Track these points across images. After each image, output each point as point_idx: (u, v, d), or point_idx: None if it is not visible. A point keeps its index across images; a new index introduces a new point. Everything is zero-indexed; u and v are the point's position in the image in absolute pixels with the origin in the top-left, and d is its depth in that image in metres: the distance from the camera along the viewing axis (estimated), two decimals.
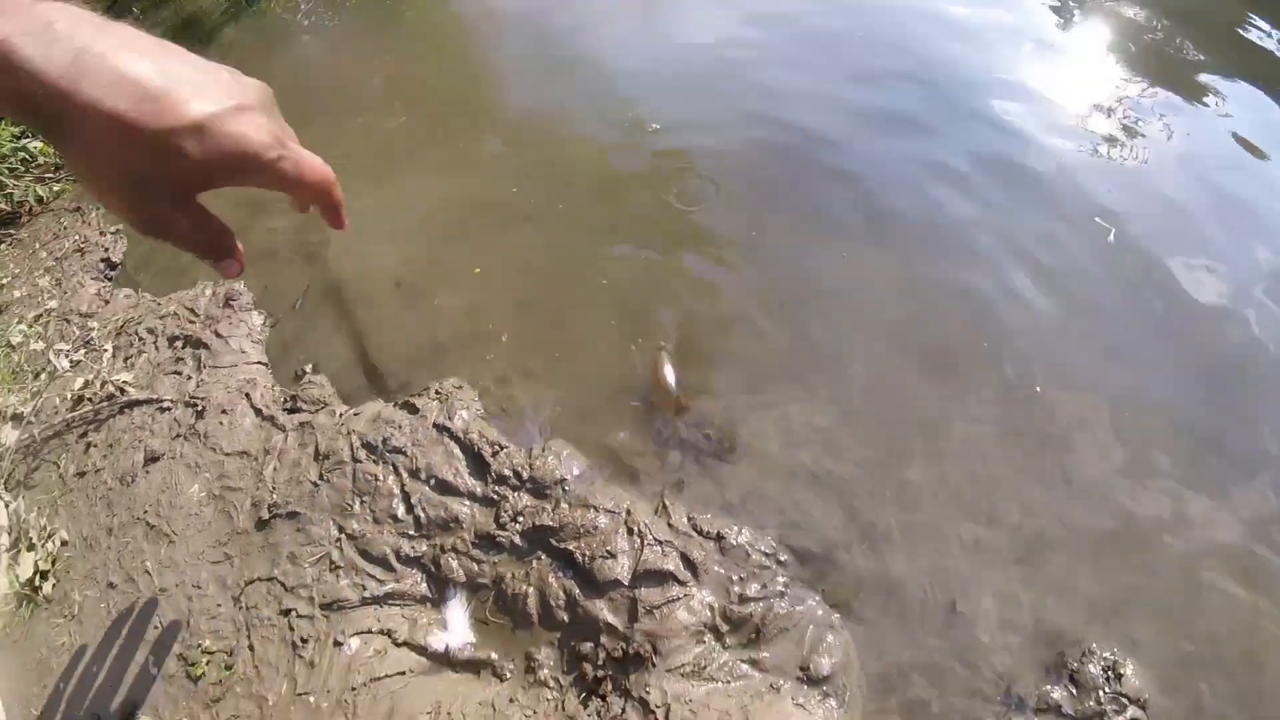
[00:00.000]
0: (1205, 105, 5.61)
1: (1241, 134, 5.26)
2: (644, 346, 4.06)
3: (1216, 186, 4.82)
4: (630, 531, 3.32)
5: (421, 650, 3.25)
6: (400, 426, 3.79)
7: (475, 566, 3.39)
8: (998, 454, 3.55)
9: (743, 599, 3.15)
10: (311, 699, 3.17)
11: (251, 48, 8.25)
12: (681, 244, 4.59)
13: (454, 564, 3.41)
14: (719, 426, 3.68)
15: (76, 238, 6.24)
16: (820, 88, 5.61)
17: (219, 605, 3.53)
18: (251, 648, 3.38)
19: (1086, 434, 3.64)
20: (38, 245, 6.40)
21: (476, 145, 5.79)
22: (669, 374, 3.83)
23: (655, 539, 3.27)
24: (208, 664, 3.39)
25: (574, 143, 5.61)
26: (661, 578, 3.19)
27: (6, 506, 4.29)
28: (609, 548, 3.26)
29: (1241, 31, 6.41)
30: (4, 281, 6.04)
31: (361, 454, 3.74)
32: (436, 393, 3.93)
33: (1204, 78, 5.98)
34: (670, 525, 3.34)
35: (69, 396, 4.64)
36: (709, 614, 3.13)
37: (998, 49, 6.09)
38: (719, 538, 3.30)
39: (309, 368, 4.43)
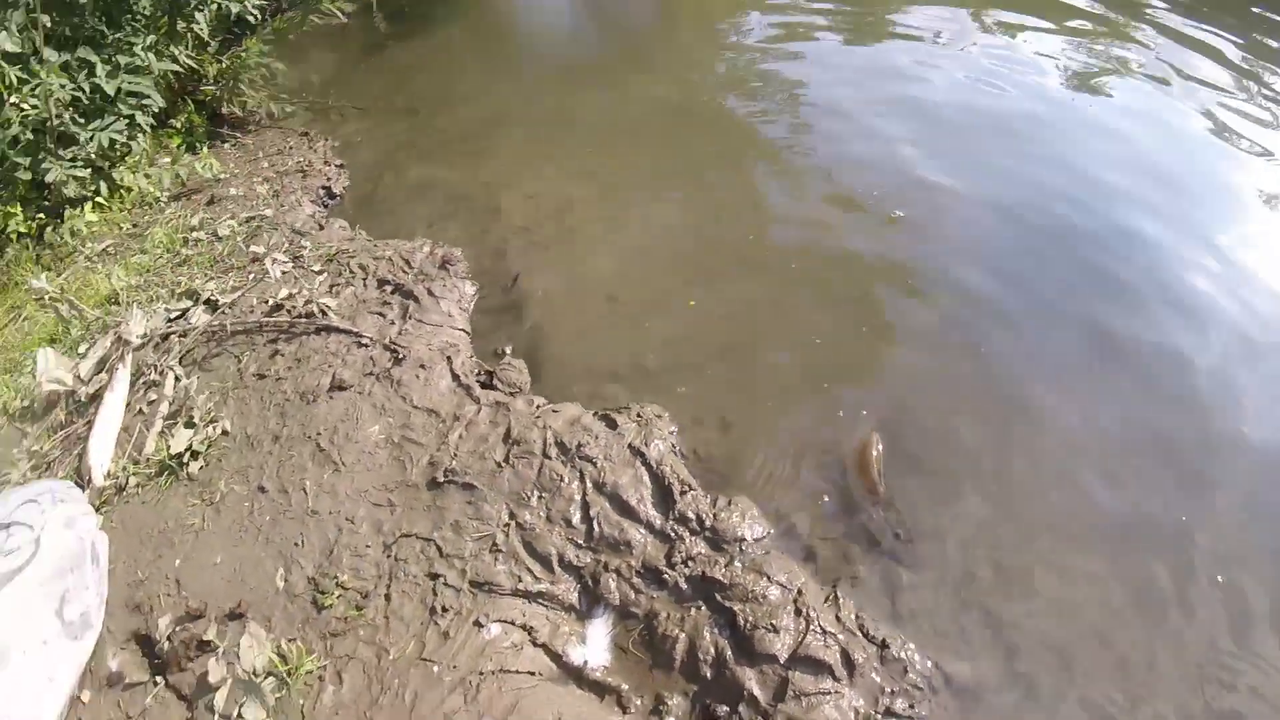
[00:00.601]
0: None
1: None
2: (847, 422, 4.02)
3: None
4: (798, 612, 3.22)
5: (557, 657, 3.19)
6: (596, 437, 3.78)
7: (633, 595, 3.33)
8: (1166, 648, 3.34)
9: (889, 712, 3.01)
10: (435, 669, 3.12)
11: (496, 35, 8.60)
12: (910, 336, 4.55)
13: (613, 585, 3.36)
14: (909, 529, 3.59)
15: (300, 159, 6.49)
16: None
17: (368, 546, 3.53)
18: (388, 597, 3.36)
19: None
20: (261, 155, 6.68)
21: (720, 185, 5.87)
22: (878, 460, 3.76)
23: (821, 627, 3.16)
24: (339, 598, 3.38)
25: (822, 203, 5.65)
26: (818, 667, 3.08)
27: (178, 380, 4.37)
28: (774, 621, 3.16)
29: None
30: (223, 177, 6.27)
31: (553, 451, 3.74)
32: (638, 415, 3.92)
33: None
34: (838, 618, 3.23)
35: (269, 302, 4.76)
36: (853, 718, 2.99)
37: None
38: (883, 645, 3.17)
39: (509, 349, 4.49)
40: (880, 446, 3.79)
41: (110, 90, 5.68)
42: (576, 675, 3.18)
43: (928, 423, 4.03)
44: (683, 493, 3.56)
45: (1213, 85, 7.14)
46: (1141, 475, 3.86)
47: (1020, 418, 4.08)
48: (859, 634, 3.18)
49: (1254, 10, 8.42)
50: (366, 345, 4.38)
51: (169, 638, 3.29)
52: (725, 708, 3.02)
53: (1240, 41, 7.85)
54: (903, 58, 7.36)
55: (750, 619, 3.17)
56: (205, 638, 3.25)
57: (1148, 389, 4.24)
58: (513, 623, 3.25)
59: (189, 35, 6.64)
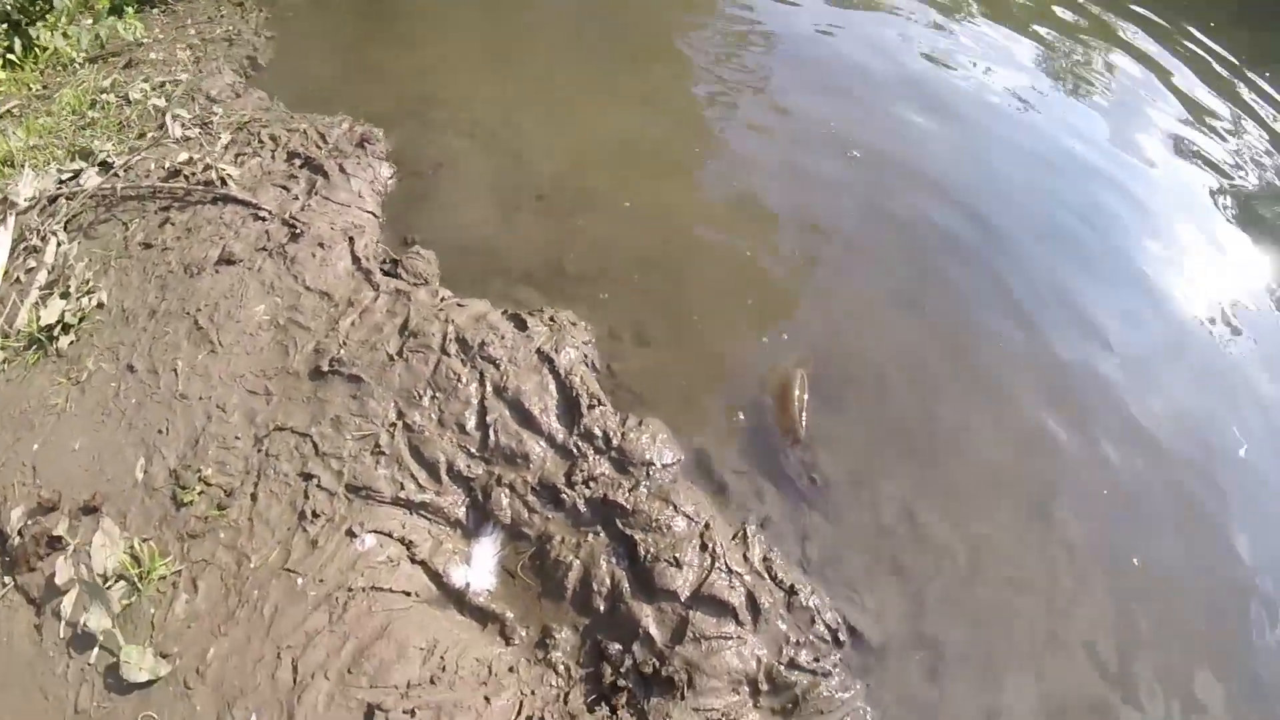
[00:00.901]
0: None
1: None
2: (774, 352, 3.74)
3: None
4: (704, 547, 2.92)
5: (437, 577, 2.87)
6: (503, 337, 3.42)
7: (526, 513, 3.01)
8: (1078, 613, 3.16)
9: (792, 664, 2.76)
10: (299, 581, 2.79)
11: None
12: (850, 273, 4.28)
13: (505, 501, 3.03)
14: (826, 475, 3.31)
15: (230, 28, 6.05)
16: None
17: (237, 438, 3.17)
18: (254, 497, 3.02)
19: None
20: (189, 21, 6.24)
21: (671, 97, 5.56)
22: (800, 400, 3.45)
23: (727, 565, 2.88)
24: (200, 494, 3.03)
25: (773, 126, 5.36)
26: (722, 609, 2.80)
27: (59, 246, 3.96)
28: (677, 554, 2.87)
29: None
30: (145, 41, 5.85)
31: (453, 348, 3.37)
32: (551, 319, 3.57)
33: None
34: (746, 557, 2.94)
35: (166, 166, 4.35)
36: (755, 666, 2.73)
37: None
38: (791, 591, 2.90)
39: (419, 238, 4.12)
40: (805, 385, 3.49)
41: None
42: (457, 599, 2.88)
43: (856, 368, 3.79)
44: (590, 407, 3.24)
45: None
46: (1064, 440, 3.67)
47: (954, 375, 3.86)
48: (766, 577, 2.91)
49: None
50: (264, 219, 3.99)
51: (20, 532, 2.97)
52: (618, 646, 2.75)
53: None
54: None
55: (652, 550, 2.89)
56: (56, 533, 2.91)
57: (1076, 357, 4.06)
58: (390, 535, 2.93)
59: None
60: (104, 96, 5.23)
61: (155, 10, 6.52)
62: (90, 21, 5.97)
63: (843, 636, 2.87)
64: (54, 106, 5.16)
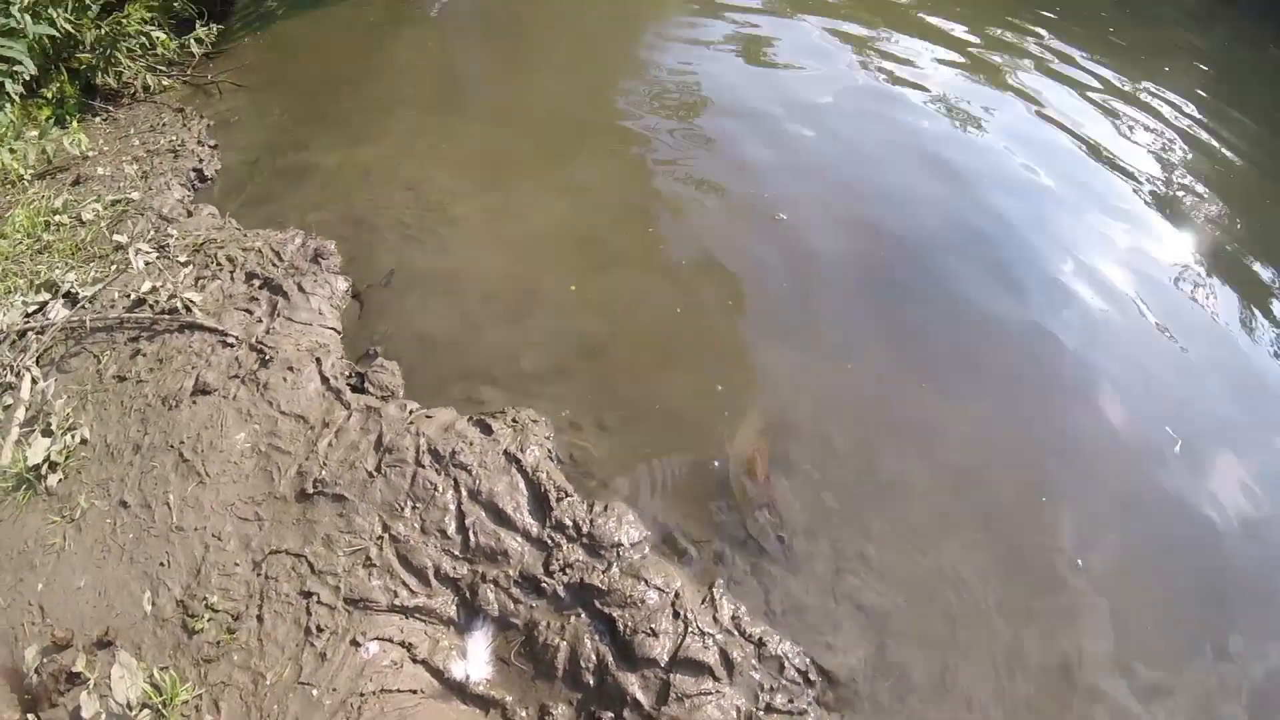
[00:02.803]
0: None
1: None
2: (727, 423, 4.02)
3: None
4: (676, 614, 3.21)
5: (438, 673, 3.12)
6: (471, 443, 3.69)
7: (512, 605, 3.28)
8: (1029, 623, 3.50)
9: (769, 709, 3.05)
10: (314, 692, 3.02)
11: (391, 17, 8.29)
12: (787, 339, 4.56)
13: (491, 596, 3.29)
14: (791, 531, 3.61)
15: (173, 138, 6.18)
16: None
17: (236, 565, 3.39)
18: (261, 619, 3.23)
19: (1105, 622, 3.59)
20: (133, 131, 6.35)
21: (607, 182, 5.77)
22: (765, 467, 3.77)
23: (700, 628, 3.17)
24: (209, 621, 3.24)
25: (708, 203, 5.62)
26: (699, 669, 3.09)
27: (34, 383, 4.14)
28: (653, 625, 3.16)
29: None
30: (91, 154, 5.96)
31: (426, 459, 3.63)
32: (513, 421, 3.83)
33: None
34: (715, 619, 3.24)
35: (130, 295, 4.52)
36: (735, 716, 3.01)
37: None
38: (760, 643, 3.20)
39: (380, 350, 4.32)
40: (765, 451, 3.80)
41: None
42: (459, 690, 3.11)
43: (802, 427, 4.06)
44: (559, 499, 3.51)
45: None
46: (1000, 471, 4.03)
47: (894, 423, 4.18)
48: (736, 633, 3.20)
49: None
50: (232, 345, 4.19)
51: (37, 670, 3.11)
52: (610, 714, 3.01)
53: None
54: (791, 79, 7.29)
55: (630, 624, 3.16)
56: (75, 669, 3.08)
57: (1008, 398, 4.40)
58: (391, 640, 3.17)
59: None
60: (57, 218, 5.34)
61: (97, 119, 6.65)
62: (35, 134, 6.05)
63: (813, 676, 3.16)
64: (6, 228, 5.25)
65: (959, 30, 8.49)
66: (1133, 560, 3.74)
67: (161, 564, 3.42)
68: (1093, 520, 3.86)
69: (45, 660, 3.17)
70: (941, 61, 7.83)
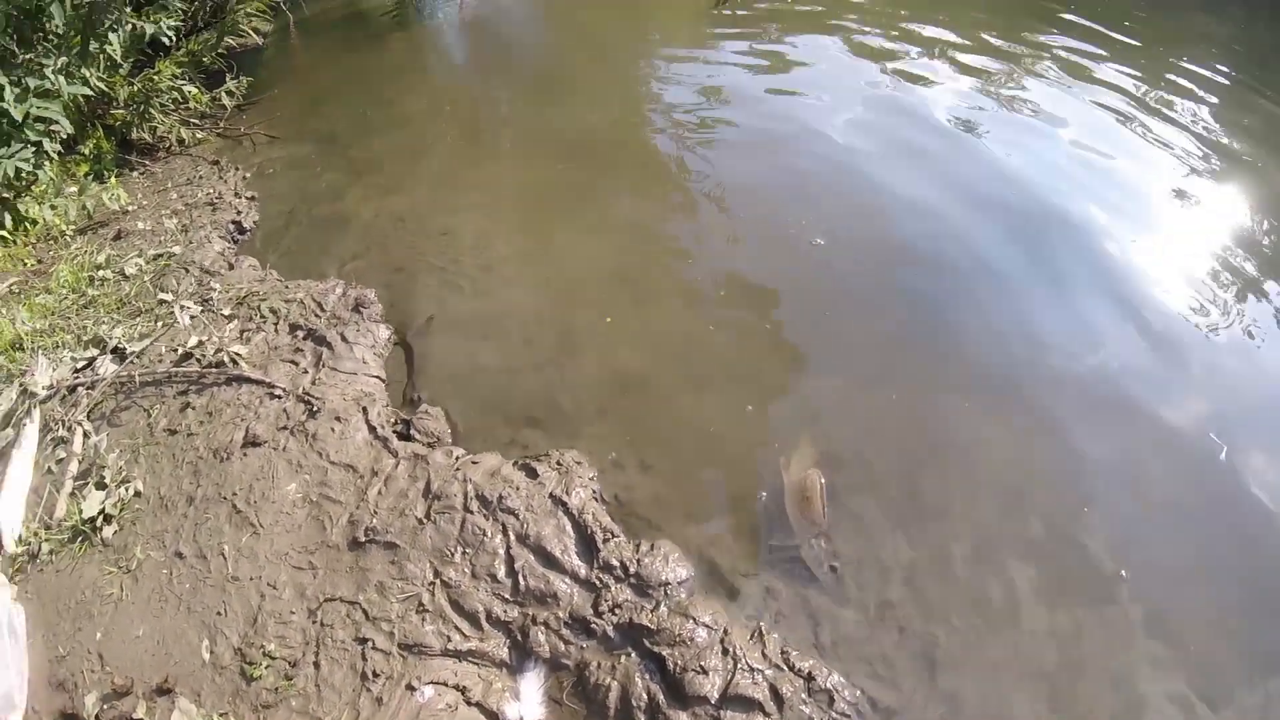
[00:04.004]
0: None
1: None
2: (768, 456, 4.08)
3: None
4: (725, 651, 3.26)
5: (492, 715, 3.17)
6: (518, 488, 3.77)
7: (562, 646, 3.34)
8: (1081, 642, 3.50)
9: None
10: None
11: (414, 60, 8.47)
12: (829, 365, 4.63)
13: (542, 638, 3.35)
14: (842, 560, 3.66)
15: (210, 190, 6.32)
16: None
17: (292, 612, 3.47)
18: (317, 665, 3.31)
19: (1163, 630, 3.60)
20: (170, 185, 6.51)
21: (641, 217, 5.88)
22: (822, 495, 3.82)
23: (749, 665, 3.21)
24: (267, 668, 3.31)
25: (743, 231, 5.70)
26: (749, 705, 3.13)
27: (86, 437, 4.25)
28: (702, 663, 3.20)
29: None
30: (130, 209, 6.11)
31: (474, 505, 3.71)
32: (558, 463, 3.91)
33: None
34: (764, 654, 3.28)
35: (178, 350, 4.63)
36: None
37: None
38: (809, 677, 3.23)
39: (425, 396, 4.42)
40: (823, 479, 3.83)
41: (18, 116, 5.48)
42: None
43: (847, 454, 4.09)
44: (605, 540, 3.57)
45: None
46: (1044, 489, 4.03)
47: (935, 446, 4.19)
48: (785, 668, 3.23)
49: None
50: (280, 396, 4.29)
51: (97, 716, 3.20)
52: None
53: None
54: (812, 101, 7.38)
55: (679, 662, 3.20)
56: (135, 715, 3.16)
57: (1051, 416, 4.38)
58: (445, 684, 3.22)
59: (101, 56, 6.44)
60: (101, 273, 5.48)
61: (134, 174, 6.83)
62: (75, 190, 6.23)
63: (864, 708, 3.18)
64: (52, 284, 5.39)
65: (980, 38, 8.55)
66: (1181, 570, 3.74)
67: (218, 613, 3.50)
68: (1138, 532, 3.86)
69: (106, 707, 3.25)
70: (963, 70, 7.95)
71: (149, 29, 6.51)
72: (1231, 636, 3.53)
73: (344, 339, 4.62)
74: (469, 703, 3.20)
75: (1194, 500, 4.02)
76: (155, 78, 7.05)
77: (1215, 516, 3.96)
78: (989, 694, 3.27)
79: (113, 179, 6.44)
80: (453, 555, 3.56)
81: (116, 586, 3.65)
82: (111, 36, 6.24)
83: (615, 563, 3.50)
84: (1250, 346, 4.90)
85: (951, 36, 8.67)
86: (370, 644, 3.34)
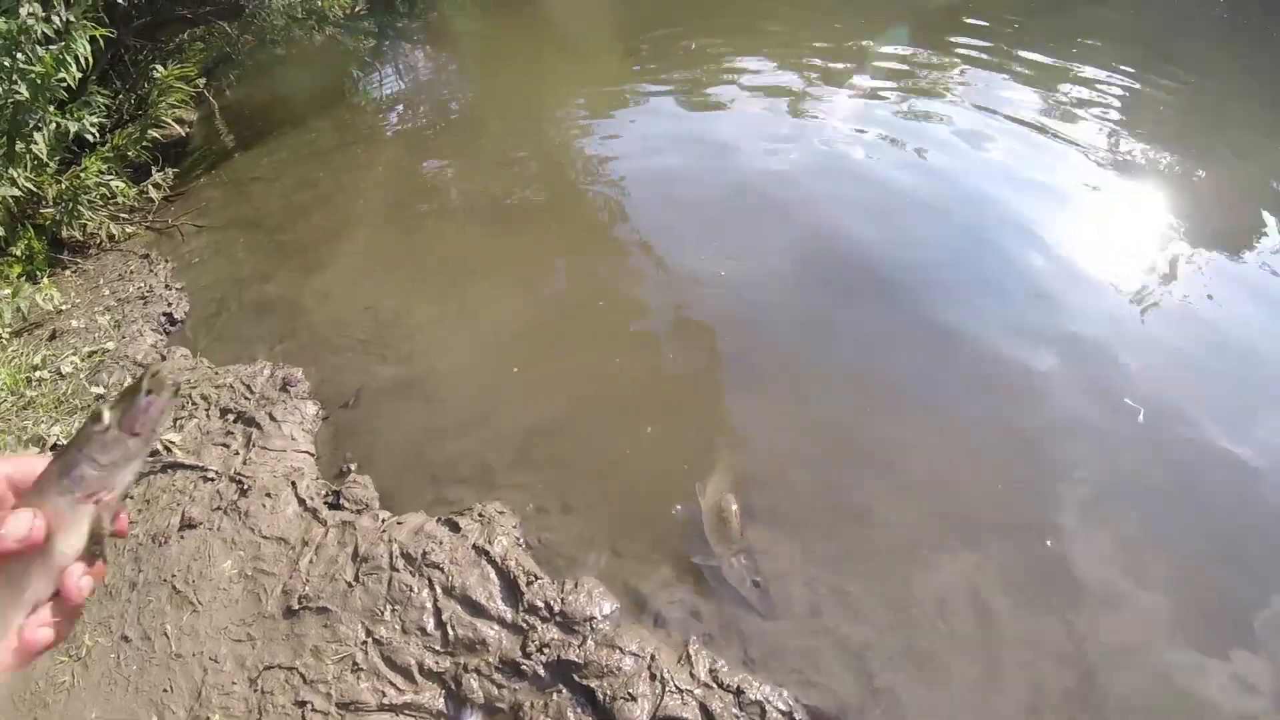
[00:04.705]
0: None
1: None
2: (694, 476, 4.24)
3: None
4: (653, 677, 3.42)
5: None
6: (441, 543, 3.95)
7: (495, 690, 3.49)
8: (1013, 627, 3.66)
9: None
10: None
11: (338, 139, 8.73)
12: (744, 385, 4.86)
13: (475, 685, 3.50)
14: (765, 575, 3.80)
15: (141, 284, 6.46)
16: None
17: (234, 683, 3.61)
18: None
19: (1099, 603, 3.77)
20: (102, 281, 6.63)
21: (545, 262, 6.17)
22: (735, 513, 3.99)
23: (677, 687, 3.36)
24: None
25: (657, 276, 5.96)
26: None
27: None
28: (630, 690, 3.36)
29: None
30: (64, 308, 6.24)
31: (400, 563, 3.89)
32: (480, 515, 4.10)
33: None
34: (692, 675, 3.44)
35: None
36: None
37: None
38: (739, 691, 3.38)
39: (354, 466, 4.58)
40: (735, 500, 4.01)
41: None
42: None
43: (766, 470, 4.31)
44: (529, 583, 3.75)
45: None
46: (965, 481, 4.24)
47: (850, 455, 4.41)
48: (715, 685, 3.39)
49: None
50: (213, 479, 4.45)
51: None
52: None
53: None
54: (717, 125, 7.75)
55: (609, 692, 3.35)
56: None
57: (966, 415, 4.62)
58: None
59: (28, 156, 6.55)
60: (37, 374, 5.60)
61: (67, 272, 6.97)
62: (9, 293, 6.29)
63: (799, 715, 3.30)
64: None
65: (883, 53, 8.98)
66: (1113, 545, 3.91)
67: (165, 690, 3.62)
68: (1063, 506, 4.05)
69: None
70: (868, 91, 8.43)
71: (73, 126, 6.66)
72: (1159, 616, 3.70)
73: (272, 418, 4.80)
74: None
75: (1116, 468, 4.25)
76: (82, 174, 7.16)
77: (1138, 485, 4.19)
78: (927, 688, 3.40)
79: (45, 279, 6.54)
80: (383, 613, 3.73)
81: (68, 674, 3.75)
82: (36, 135, 6.38)
83: (540, 604, 3.68)
84: (1165, 319, 5.26)
85: (850, 59, 9.05)
86: (309, 706, 3.48)
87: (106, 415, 1.09)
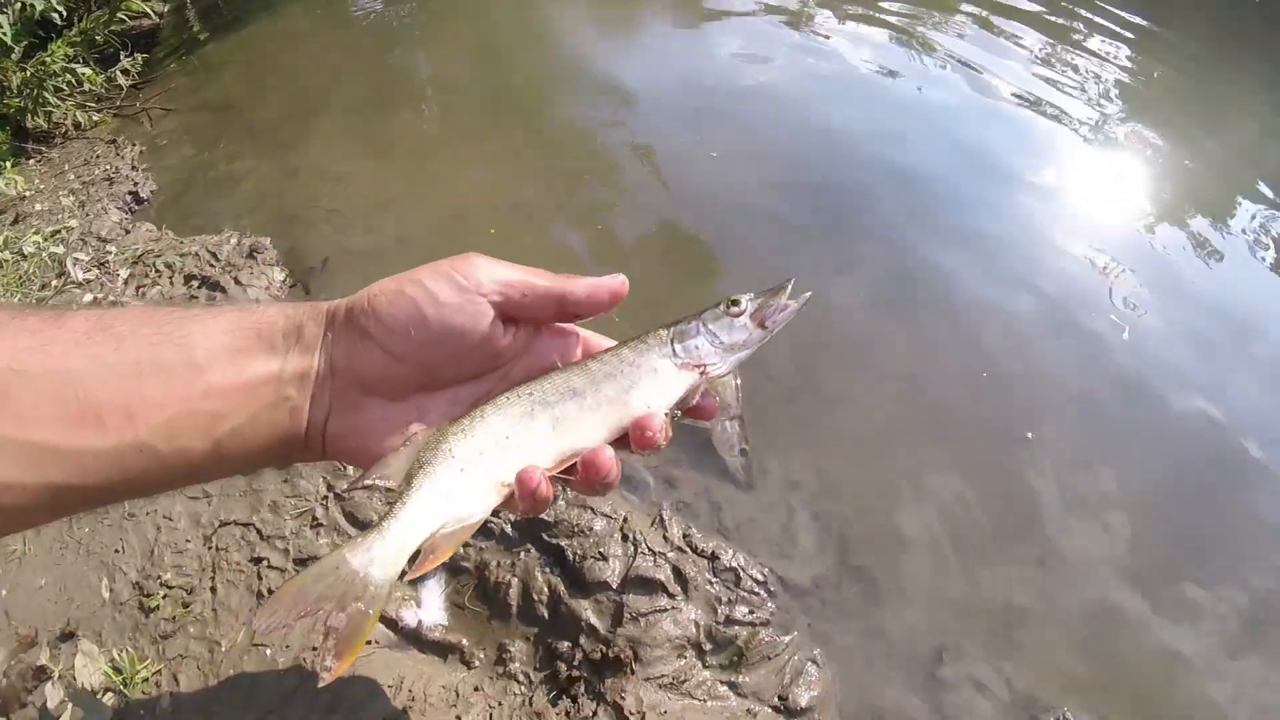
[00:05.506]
0: None
1: None
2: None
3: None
4: (625, 538, 3.28)
5: (392, 624, 3.16)
6: None
7: (460, 549, 3.31)
8: (984, 516, 3.59)
9: (729, 620, 3.10)
10: (268, 651, 3.07)
11: (314, 29, 8.41)
12: (727, 269, 4.69)
13: None
14: (751, 444, 3.68)
15: (107, 167, 6.24)
16: None
17: (188, 541, 3.45)
18: (214, 589, 3.29)
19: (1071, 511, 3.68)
20: (67, 167, 6.41)
21: (519, 142, 5.96)
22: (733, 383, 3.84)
23: (649, 549, 3.24)
24: (164, 598, 3.29)
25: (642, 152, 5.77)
26: (651, 586, 3.15)
27: None
28: (601, 550, 3.22)
29: None
30: (27, 194, 6.03)
31: None
32: None
33: None
34: (665, 538, 3.31)
35: (74, 309, 4.54)
36: (694, 630, 3.08)
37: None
38: (713, 557, 3.26)
39: None
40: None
41: None
42: (415, 639, 3.16)
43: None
44: None
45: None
46: (944, 368, 4.14)
47: (833, 337, 4.27)
48: (689, 550, 3.26)
49: None
50: None
51: (5, 673, 3.13)
52: (567, 643, 3.05)
53: None
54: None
55: (579, 552, 3.22)
56: (41, 663, 3.09)
57: (950, 306, 4.51)
58: None
59: None
60: (0, 256, 5.41)
61: (31, 161, 6.71)
62: None
63: (773, 587, 3.22)
64: None
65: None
66: (1085, 434, 3.86)
67: (116, 550, 3.47)
68: (1039, 397, 3.99)
69: (13, 662, 3.18)
70: (875, 23, 8.04)
71: (38, 5, 6.37)
72: (1135, 499, 3.66)
73: (237, 282, 4.59)
74: None
75: (1097, 374, 4.17)
76: (48, 60, 6.88)
77: (1119, 389, 4.11)
78: (902, 571, 3.33)
79: (9, 167, 6.33)
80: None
81: (20, 542, 3.58)
82: (1, 18, 6.09)
83: None
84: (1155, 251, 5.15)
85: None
86: (265, 563, 3.33)
87: (744, 301, 1.25)
